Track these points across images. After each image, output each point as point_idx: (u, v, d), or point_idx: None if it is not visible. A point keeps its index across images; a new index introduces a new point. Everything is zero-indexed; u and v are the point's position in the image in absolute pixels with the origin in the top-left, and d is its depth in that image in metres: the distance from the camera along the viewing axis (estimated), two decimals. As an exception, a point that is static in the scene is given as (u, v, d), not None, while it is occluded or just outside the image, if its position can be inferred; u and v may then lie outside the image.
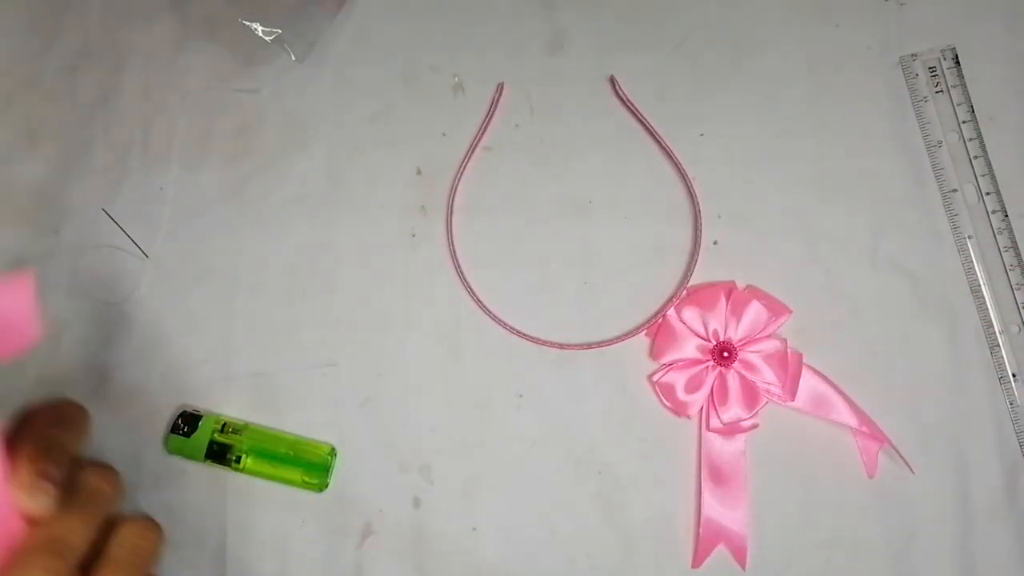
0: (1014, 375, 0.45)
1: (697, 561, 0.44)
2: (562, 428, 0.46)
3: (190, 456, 0.45)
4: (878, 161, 0.48)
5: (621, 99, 0.50)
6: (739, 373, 0.45)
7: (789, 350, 0.45)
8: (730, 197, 0.48)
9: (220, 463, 0.45)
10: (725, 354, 0.45)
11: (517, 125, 0.50)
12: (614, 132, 0.50)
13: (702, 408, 0.45)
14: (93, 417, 0.47)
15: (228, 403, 0.47)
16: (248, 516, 0.45)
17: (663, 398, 0.46)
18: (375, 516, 0.45)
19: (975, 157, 0.48)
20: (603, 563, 0.45)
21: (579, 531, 0.45)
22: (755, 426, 0.45)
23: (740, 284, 0.47)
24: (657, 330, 0.47)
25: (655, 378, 0.46)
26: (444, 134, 0.50)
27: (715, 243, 0.48)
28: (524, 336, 0.47)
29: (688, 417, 0.46)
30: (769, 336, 0.45)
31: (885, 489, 0.45)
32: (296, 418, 0.47)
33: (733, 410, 0.44)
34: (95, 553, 0.37)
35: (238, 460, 0.45)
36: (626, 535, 0.45)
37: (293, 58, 0.50)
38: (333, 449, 0.46)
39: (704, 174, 0.49)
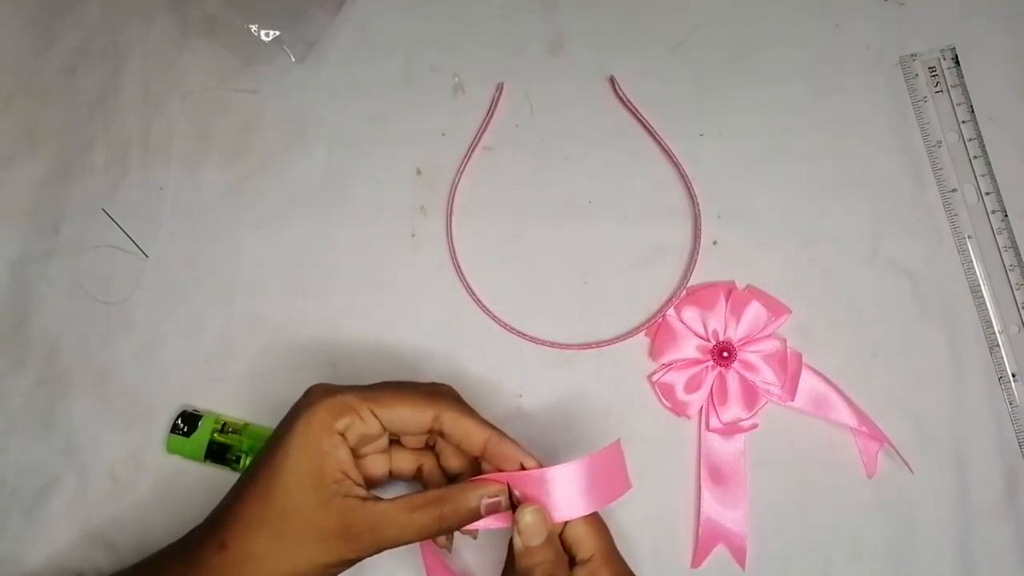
0: (1014, 375, 0.45)
1: (697, 561, 0.44)
2: (562, 428, 0.46)
3: (190, 456, 0.46)
4: (878, 161, 0.48)
5: (621, 99, 0.50)
6: (739, 373, 0.45)
7: (789, 350, 0.45)
8: (730, 197, 0.48)
9: (220, 463, 0.45)
10: (725, 354, 0.45)
11: (517, 125, 0.50)
12: (614, 132, 0.50)
13: (702, 408, 0.45)
14: (93, 417, 0.47)
15: (228, 403, 0.47)
16: (248, 516, 0.45)
17: (663, 398, 0.46)
18: (375, 516, 0.45)
19: (975, 157, 0.48)
20: (603, 563, 0.44)
21: (579, 531, 0.45)
22: (755, 426, 0.45)
23: (740, 284, 0.47)
24: (657, 330, 0.47)
25: (655, 378, 0.46)
26: (444, 134, 0.50)
27: (715, 243, 0.48)
28: (524, 336, 0.47)
29: (688, 417, 0.46)
30: (769, 336, 0.45)
31: (885, 489, 0.45)
32: (296, 418, 0.47)
33: (733, 410, 0.44)
34: None
35: (238, 460, 0.45)
36: (626, 535, 0.45)
37: (292, 59, 0.50)
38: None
39: (704, 174, 0.49)
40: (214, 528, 0.36)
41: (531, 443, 0.45)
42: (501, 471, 0.37)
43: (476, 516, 0.35)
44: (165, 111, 0.51)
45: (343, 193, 0.50)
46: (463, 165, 0.49)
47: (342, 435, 0.35)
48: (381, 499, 0.35)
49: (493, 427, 0.37)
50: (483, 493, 0.35)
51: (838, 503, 0.44)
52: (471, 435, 0.37)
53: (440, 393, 0.39)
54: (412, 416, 0.37)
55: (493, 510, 0.35)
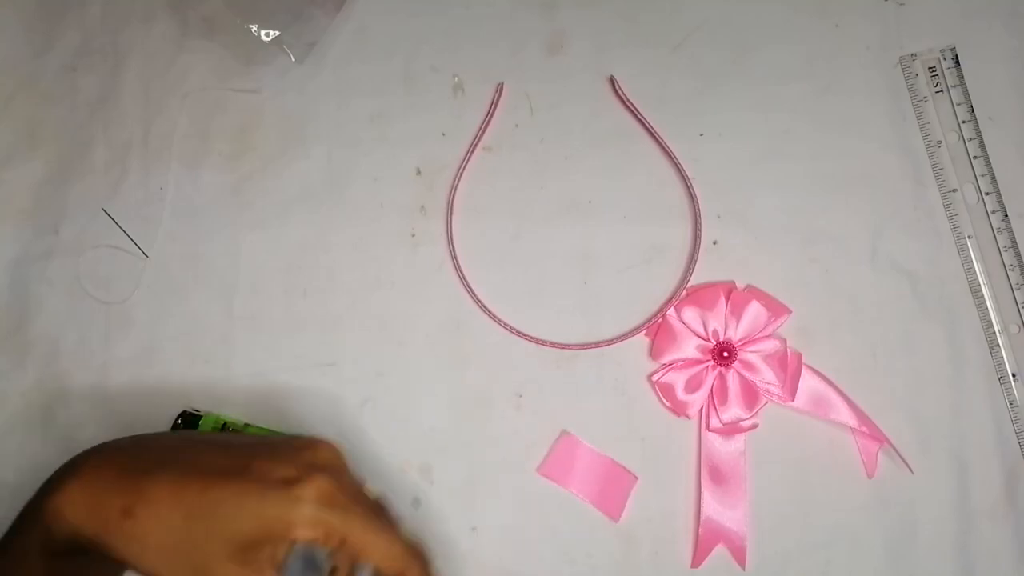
0: (1014, 375, 0.45)
1: (697, 561, 0.44)
2: (562, 428, 0.46)
3: (190, 456, 0.45)
4: (878, 161, 0.48)
5: (621, 99, 0.50)
6: (739, 373, 0.45)
7: (789, 350, 0.45)
8: (730, 197, 0.48)
9: (220, 463, 0.45)
10: (725, 354, 0.45)
11: (517, 125, 0.50)
12: (614, 132, 0.50)
13: (702, 408, 0.45)
14: (93, 417, 0.47)
15: (228, 403, 0.47)
16: (248, 516, 0.45)
17: (663, 398, 0.46)
18: (375, 516, 0.45)
19: (975, 157, 0.48)
20: (603, 563, 0.45)
21: (579, 531, 0.45)
22: (755, 426, 0.45)
23: (740, 284, 0.47)
24: (657, 330, 0.47)
25: (655, 378, 0.46)
26: (444, 134, 0.50)
27: (715, 243, 0.48)
28: (524, 336, 0.47)
29: (688, 417, 0.46)
30: (769, 336, 0.45)
31: (885, 489, 0.45)
32: (296, 418, 0.47)
33: (733, 410, 0.44)
34: None
35: (238, 460, 0.45)
36: (626, 535, 0.45)
37: (292, 59, 0.50)
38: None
39: (704, 174, 0.49)
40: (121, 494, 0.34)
41: (531, 443, 0.46)
42: None
43: None
44: (165, 111, 0.51)
45: (343, 193, 0.50)
46: (463, 165, 0.49)
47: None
48: None
49: None
50: None
51: (838, 503, 0.45)
52: None
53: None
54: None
55: None
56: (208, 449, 0.36)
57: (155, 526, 0.33)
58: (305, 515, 0.33)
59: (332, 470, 0.35)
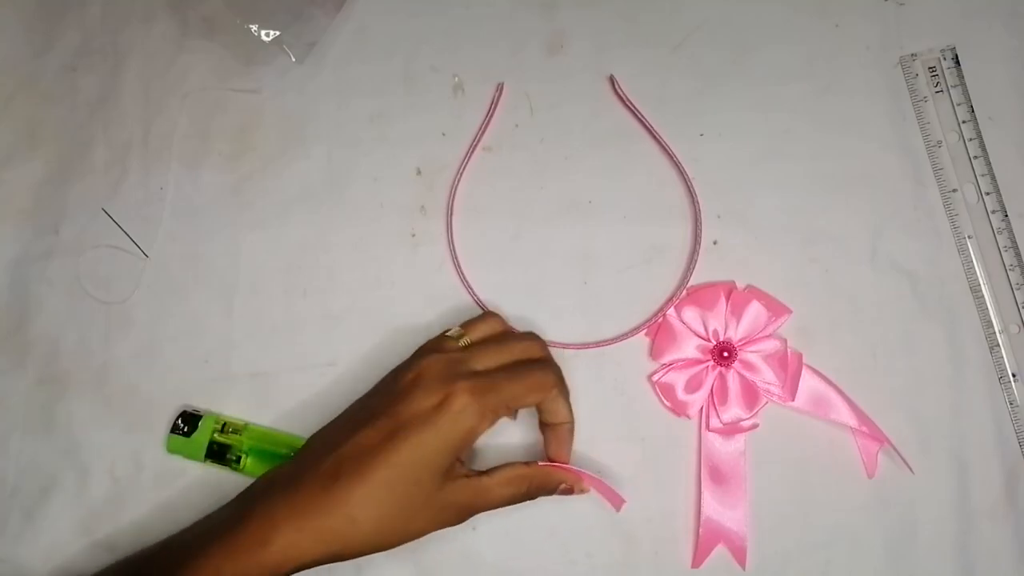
0: (1014, 375, 0.45)
1: (697, 561, 0.44)
2: (562, 428, 0.46)
3: (190, 456, 0.46)
4: (878, 161, 0.48)
5: (621, 99, 0.50)
6: (739, 373, 0.45)
7: (789, 350, 0.45)
8: (730, 197, 0.48)
9: (220, 463, 0.45)
10: (725, 354, 0.45)
11: (517, 125, 0.50)
12: (614, 132, 0.50)
13: (702, 408, 0.45)
14: (93, 417, 0.47)
15: (228, 403, 0.47)
16: (248, 516, 0.45)
17: (663, 398, 0.46)
18: (375, 516, 0.45)
19: (975, 157, 0.48)
20: (603, 563, 0.45)
21: (579, 531, 0.45)
22: (755, 426, 0.45)
23: (740, 284, 0.47)
24: (657, 330, 0.47)
25: (655, 378, 0.46)
26: (444, 134, 0.50)
27: (715, 243, 0.48)
28: (524, 336, 0.47)
29: (688, 417, 0.46)
30: (769, 336, 0.45)
31: (885, 489, 0.45)
32: (296, 418, 0.47)
33: (733, 410, 0.44)
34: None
35: (238, 460, 0.45)
36: (626, 535, 0.45)
37: (292, 59, 0.50)
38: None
39: (704, 174, 0.49)
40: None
41: (531, 443, 0.46)
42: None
43: (550, 494, 0.42)
44: (165, 111, 0.51)
45: (343, 193, 0.50)
46: (463, 165, 0.49)
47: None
48: (482, 474, 0.40)
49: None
50: (562, 480, 0.42)
51: (838, 503, 0.45)
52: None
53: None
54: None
55: (565, 493, 0.43)
56: (349, 434, 0.39)
57: (375, 515, 0.37)
58: (475, 416, 0.38)
59: (438, 368, 0.39)
